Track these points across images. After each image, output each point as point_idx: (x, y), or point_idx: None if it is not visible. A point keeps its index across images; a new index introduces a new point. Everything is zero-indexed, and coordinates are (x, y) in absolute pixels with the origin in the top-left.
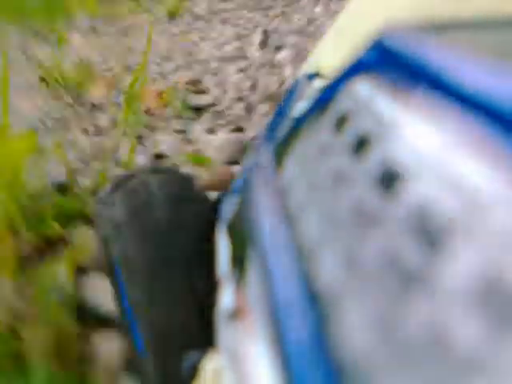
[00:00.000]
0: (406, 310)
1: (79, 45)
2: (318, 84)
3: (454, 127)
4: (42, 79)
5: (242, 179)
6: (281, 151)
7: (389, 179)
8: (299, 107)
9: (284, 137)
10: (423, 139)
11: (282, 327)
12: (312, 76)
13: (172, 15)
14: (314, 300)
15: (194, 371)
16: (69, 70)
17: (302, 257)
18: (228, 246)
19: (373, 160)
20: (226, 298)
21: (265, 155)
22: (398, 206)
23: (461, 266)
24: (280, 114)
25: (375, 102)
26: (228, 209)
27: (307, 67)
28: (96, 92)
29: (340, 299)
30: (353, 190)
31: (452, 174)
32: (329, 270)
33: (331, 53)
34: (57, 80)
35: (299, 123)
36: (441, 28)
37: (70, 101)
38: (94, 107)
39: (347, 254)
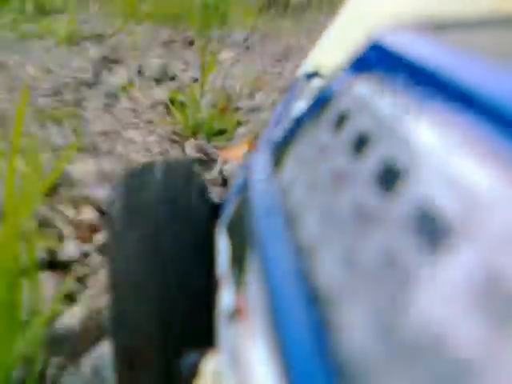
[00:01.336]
0: (406, 310)
1: (226, 67)
2: (317, 84)
3: (453, 126)
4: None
5: (242, 179)
6: (280, 151)
7: (388, 178)
8: (299, 107)
9: (283, 136)
10: (422, 138)
11: (281, 327)
12: (311, 76)
13: None
14: (314, 300)
15: (193, 371)
16: (204, 106)
17: (301, 257)
18: (228, 246)
19: (372, 159)
20: (225, 298)
21: (264, 155)
22: (398, 205)
23: (461, 265)
24: (280, 113)
25: (374, 102)
26: (228, 209)
27: (306, 67)
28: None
29: (340, 299)
30: (352, 189)
31: (452, 174)
32: (329, 270)
33: (330, 52)
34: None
35: (299, 123)
36: (440, 28)
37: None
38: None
39: (347, 254)
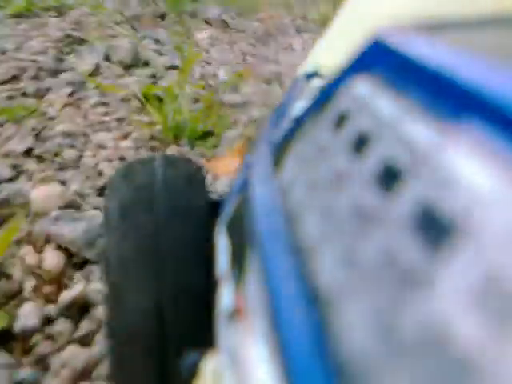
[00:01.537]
0: (407, 310)
1: (204, 50)
2: (317, 83)
3: (453, 126)
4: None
5: (242, 179)
6: (280, 151)
7: (389, 178)
8: (298, 107)
9: (283, 136)
10: (423, 138)
11: (281, 327)
12: (311, 75)
13: None
14: (314, 300)
15: (193, 371)
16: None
17: (301, 257)
18: (228, 245)
19: (372, 159)
20: (225, 297)
21: (264, 155)
22: (398, 205)
23: (461, 265)
24: (279, 113)
25: (374, 102)
26: (228, 208)
27: (306, 67)
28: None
29: (340, 299)
30: (352, 189)
31: (452, 174)
32: (329, 270)
33: (330, 52)
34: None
35: (299, 123)
36: (440, 27)
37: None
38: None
39: (347, 254)
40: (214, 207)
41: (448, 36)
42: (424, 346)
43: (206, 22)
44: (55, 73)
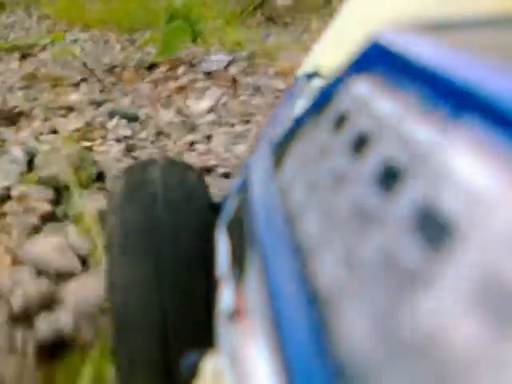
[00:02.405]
0: (406, 310)
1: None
2: (318, 84)
3: (453, 126)
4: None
5: (242, 179)
6: (280, 151)
7: (388, 178)
8: (299, 107)
9: (284, 136)
10: (422, 138)
11: (281, 327)
12: (311, 76)
13: None
14: (314, 300)
15: (193, 371)
16: None
17: (301, 257)
18: (228, 245)
19: (372, 159)
20: (225, 298)
21: (265, 155)
22: (398, 205)
23: (461, 265)
24: (279, 113)
25: (374, 102)
26: (228, 209)
27: (306, 67)
28: None
29: (340, 299)
30: (352, 189)
31: (452, 174)
32: (328, 270)
33: (330, 53)
34: None
35: (299, 123)
36: (439, 28)
37: None
38: None
39: (347, 254)
40: (214, 208)
41: (447, 37)
42: (423, 346)
43: (208, 74)
44: None
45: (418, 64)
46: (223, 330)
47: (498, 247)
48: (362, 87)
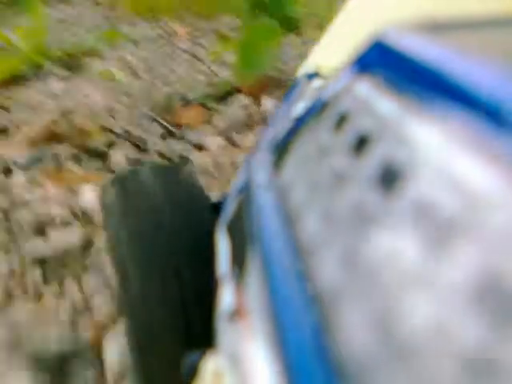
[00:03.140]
0: (407, 310)
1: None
2: (318, 84)
3: (454, 126)
4: None
5: (242, 179)
6: (281, 151)
7: (389, 179)
8: (299, 107)
9: (284, 136)
10: (423, 139)
11: (281, 327)
12: (312, 76)
13: None
14: (314, 300)
15: (194, 371)
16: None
17: (302, 257)
18: (228, 245)
19: (373, 159)
20: (225, 298)
21: (265, 155)
22: (398, 205)
23: (461, 265)
24: (280, 113)
25: (375, 102)
26: (228, 209)
27: (307, 67)
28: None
29: (340, 299)
30: (353, 189)
31: (452, 174)
32: (329, 270)
33: (331, 52)
34: None
35: (299, 123)
36: (440, 27)
37: None
38: None
39: (347, 254)
40: (214, 208)
41: (448, 36)
42: (423, 346)
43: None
44: None
45: (418, 64)
46: (223, 329)
47: (497, 247)
48: (364, 87)
